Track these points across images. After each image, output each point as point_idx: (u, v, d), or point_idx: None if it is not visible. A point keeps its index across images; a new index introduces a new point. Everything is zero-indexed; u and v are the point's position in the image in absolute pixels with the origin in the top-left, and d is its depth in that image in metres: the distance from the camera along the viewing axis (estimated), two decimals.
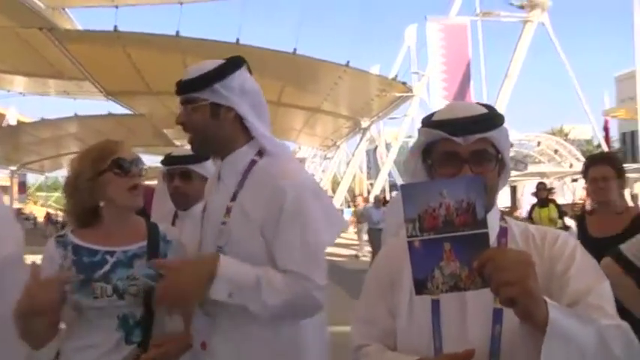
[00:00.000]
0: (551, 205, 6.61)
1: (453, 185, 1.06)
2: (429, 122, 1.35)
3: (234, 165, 1.74)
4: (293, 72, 17.86)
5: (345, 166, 31.80)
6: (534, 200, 8.60)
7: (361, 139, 26.63)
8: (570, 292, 1.21)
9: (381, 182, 25.88)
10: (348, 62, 17.79)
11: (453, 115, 1.33)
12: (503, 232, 1.37)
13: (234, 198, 1.69)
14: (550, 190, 7.31)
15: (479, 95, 21.52)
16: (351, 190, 30.96)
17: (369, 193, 25.48)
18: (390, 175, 29.31)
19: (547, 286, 1.21)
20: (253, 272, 1.58)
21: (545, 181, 11.48)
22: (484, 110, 1.35)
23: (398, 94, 20.97)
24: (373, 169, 41.41)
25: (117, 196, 1.74)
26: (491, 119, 1.33)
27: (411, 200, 1.06)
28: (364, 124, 24.87)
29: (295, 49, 16.63)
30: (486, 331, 1.24)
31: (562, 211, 8.70)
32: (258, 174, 1.70)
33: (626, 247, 2.32)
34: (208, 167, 2.48)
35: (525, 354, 1.11)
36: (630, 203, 3.91)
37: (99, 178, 1.71)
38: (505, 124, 1.35)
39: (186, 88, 1.70)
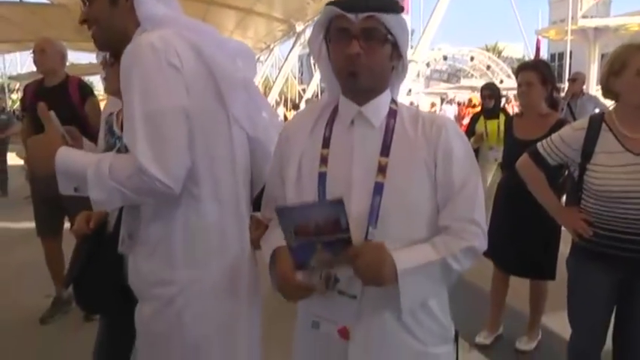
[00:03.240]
0: (502, 117, 5.78)
1: (320, 210, 1.29)
2: (329, 1, 1.44)
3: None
4: None
5: (278, 70, 31.22)
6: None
7: (294, 43, 26.04)
8: (448, 186, 1.44)
9: (313, 87, 25.69)
10: None
11: None
12: (393, 113, 1.51)
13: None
14: (499, 99, 6.42)
15: (417, 7, 21.26)
16: (282, 94, 30.63)
17: (300, 98, 25.28)
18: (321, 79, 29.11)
19: (430, 169, 1.43)
20: (86, 161, 1.54)
21: (477, 95, 11.47)
22: None
23: None
24: (306, 74, 40.92)
25: None
26: (384, 1, 1.41)
27: (286, 220, 1.30)
28: (298, 28, 24.24)
29: None
30: (367, 202, 1.41)
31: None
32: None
33: (540, 145, 2.67)
34: None
35: (397, 223, 1.41)
36: None
37: None
38: (403, 17, 1.46)
39: None
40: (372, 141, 1.48)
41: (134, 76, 1.51)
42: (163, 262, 1.66)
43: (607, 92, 2.51)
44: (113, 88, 1.99)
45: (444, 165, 1.44)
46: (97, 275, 1.94)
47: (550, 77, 3.54)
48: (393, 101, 1.55)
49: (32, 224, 4.35)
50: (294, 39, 25.99)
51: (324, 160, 1.49)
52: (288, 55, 27.24)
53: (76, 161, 1.55)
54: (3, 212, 8.40)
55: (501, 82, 26.23)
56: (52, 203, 4.01)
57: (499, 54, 41.97)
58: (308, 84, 28.61)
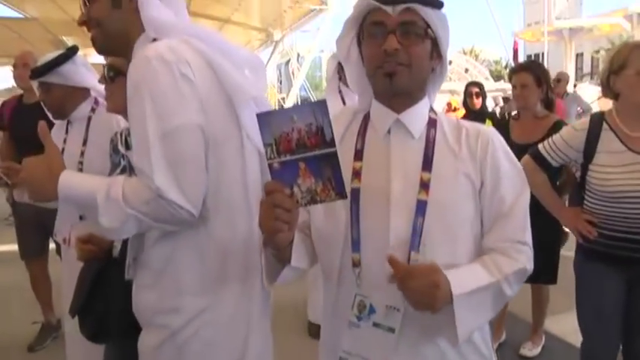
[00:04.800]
0: (488, 121, 5.23)
1: (301, 110, 1.13)
2: None
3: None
4: None
5: None
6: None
7: (273, 51, 26.03)
8: (496, 205, 1.32)
9: (293, 96, 25.62)
10: None
11: None
12: (432, 122, 1.37)
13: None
14: (485, 99, 5.70)
15: None
16: None
17: (281, 107, 25.26)
18: (301, 88, 29.09)
19: (475, 186, 1.31)
20: (93, 186, 1.41)
21: (456, 98, 11.40)
22: None
23: (312, 7, 20.42)
24: (284, 82, 40.91)
25: None
26: None
27: (266, 127, 1.14)
28: (276, 36, 24.25)
29: None
30: (408, 222, 1.26)
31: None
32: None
33: (542, 146, 2.63)
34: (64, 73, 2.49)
35: (441, 245, 1.26)
36: None
37: None
38: (443, 12, 1.31)
39: None
40: (411, 153, 1.33)
41: (144, 92, 1.38)
42: (169, 289, 1.54)
43: (607, 91, 2.47)
44: (118, 106, 1.83)
45: (492, 182, 1.32)
46: (103, 303, 1.81)
47: (544, 78, 3.48)
48: (432, 109, 1.40)
49: (13, 247, 4.18)
50: (272, 47, 25.99)
51: (356, 175, 1.34)
52: (267, 63, 27.21)
53: (82, 186, 1.42)
54: None
55: None
56: (35, 224, 3.85)
57: (476, 57, 42.42)
58: (287, 93, 28.55)
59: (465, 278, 1.23)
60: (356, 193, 1.31)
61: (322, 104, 1.13)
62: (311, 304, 4.06)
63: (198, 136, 1.42)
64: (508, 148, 1.38)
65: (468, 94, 5.67)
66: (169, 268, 1.53)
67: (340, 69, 3.71)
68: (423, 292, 1.17)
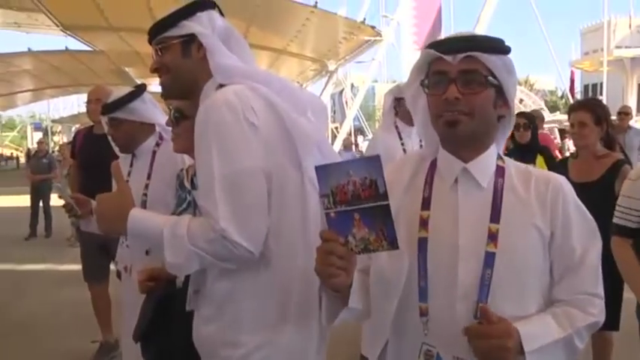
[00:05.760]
0: (540, 158, 4.54)
1: (357, 165, 1.20)
2: (427, 44, 1.33)
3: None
4: (259, 12, 17.21)
5: None
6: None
7: (327, 82, 26.32)
8: (567, 257, 1.29)
9: (347, 126, 25.74)
10: (316, 3, 17.30)
11: (451, 36, 1.34)
12: (500, 171, 1.35)
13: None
14: (536, 133, 4.70)
15: None
16: None
17: (334, 136, 25.40)
18: (355, 118, 29.21)
19: (544, 236, 1.28)
20: (160, 224, 1.51)
21: None
22: (484, 35, 1.34)
23: (366, 38, 20.60)
24: (338, 112, 41.20)
25: None
26: (485, 41, 1.30)
27: (324, 178, 1.21)
28: (331, 67, 24.53)
29: None
30: (476, 273, 1.25)
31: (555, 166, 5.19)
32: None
33: (614, 218, 2.46)
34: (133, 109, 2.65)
35: (509, 297, 1.23)
36: None
37: None
38: (510, 58, 1.31)
39: (156, 31, 1.64)
40: (479, 203, 1.31)
41: (212, 135, 1.48)
42: (229, 323, 1.59)
43: None
44: (183, 147, 1.92)
45: (562, 233, 1.29)
46: (166, 331, 1.90)
47: (604, 115, 3.34)
48: (500, 157, 1.38)
49: (76, 266, 4.40)
50: (326, 78, 26.28)
51: (424, 224, 1.33)
52: (321, 93, 27.48)
53: (150, 223, 1.52)
54: (48, 254, 8.54)
55: None
56: (99, 249, 4.05)
57: (531, 87, 41.64)
58: (341, 123, 28.74)
59: (537, 332, 1.22)
60: (423, 242, 1.31)
61: (376, 160, 1.18)
62: (365, 338, 4.04)
63: (261, 180, 1.50)
64: (578, 199, 1.36)
65: (515, 126, 5.08)
66: (229, 303, 1.60)
67: (397, 104, 3.75)
68: (495, 351, 1.17)
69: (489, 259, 1.25)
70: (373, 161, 1.18)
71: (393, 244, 1.19)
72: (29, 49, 25.75)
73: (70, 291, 5.47)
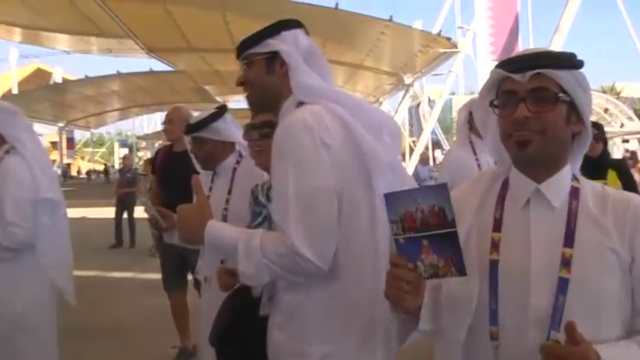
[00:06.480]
0: (612, 172, 4.20)
1: (425, 193, 1.23)
2: (497, 63, 1.31)
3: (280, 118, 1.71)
4: (335, 28, 17.48)
5: None
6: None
7: (404, 95, 26.24)
8: None
9: (425, 140, 25.48)
10: (391, 17, 17.38)
11: (519, 54, 1.31)
12: (575, 192, 1.29)
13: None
14: (606, 145, 4.46)
15: None
16: None
17: (411, 150, 25.19)
18: (432, 132, 28.87)
19: (623, 261, 1.21)
20: (235, 235, 1.60)
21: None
22: (553, 50, 1.30)
23: (442, 50, 20.40)
24: (415, 126, 40.95)
25: None
26: (555, 57, 1.26)
27: (393, 206, 1.25)
28: (407, 80, 24.43)
29: (337, 4, 16.30)
30: (549, 299, 1.21)
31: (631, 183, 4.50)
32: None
33: None
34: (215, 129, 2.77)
35: (583, 325, 1.12)
36: None
37: None
38: (582, 72, 1.25)
39: (243, 47, 1.75)
40: (552, 226, 1.26)
41: (288, 154, 1.57)
42: (297, 333, 1.65)
43: None
44: (266, 163, 1.93)
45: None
46: (242, 336, 1.96)
47: None
48: (575, 177, 1.32)
49: (156, 275, 4.61)
50: (403, 92, 26.18)
51: (495, 246, 1.29)
52: (398, 107, 27.43)
53: (226, 234, 1.61)
54: (132, 263, 9.03)
55: (622, 125, 24.68)
56: (178, 260, 4.24)
57: (617, 95, 39.56)
58: (418, 136, 28.47)
59: (620, 358, 1.15)
60: (494, 265, 1.28)
61: (443, 188, 1.20)
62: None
63: (333, 199, 1.56)
64: None
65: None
66: (298, 315, 1.65)
67: (471, 119, 3.69)
68: None
69: (563, 286, 1.20)
70: (441, 189, 1.20)
71: (462, 271, 1.20)
72: (117, 72, 27.34)
73: (153, 298, 5.73)
